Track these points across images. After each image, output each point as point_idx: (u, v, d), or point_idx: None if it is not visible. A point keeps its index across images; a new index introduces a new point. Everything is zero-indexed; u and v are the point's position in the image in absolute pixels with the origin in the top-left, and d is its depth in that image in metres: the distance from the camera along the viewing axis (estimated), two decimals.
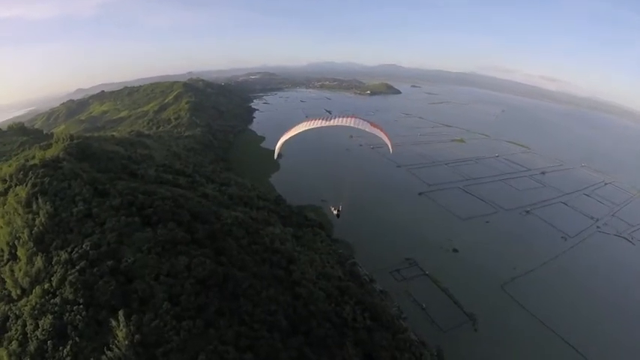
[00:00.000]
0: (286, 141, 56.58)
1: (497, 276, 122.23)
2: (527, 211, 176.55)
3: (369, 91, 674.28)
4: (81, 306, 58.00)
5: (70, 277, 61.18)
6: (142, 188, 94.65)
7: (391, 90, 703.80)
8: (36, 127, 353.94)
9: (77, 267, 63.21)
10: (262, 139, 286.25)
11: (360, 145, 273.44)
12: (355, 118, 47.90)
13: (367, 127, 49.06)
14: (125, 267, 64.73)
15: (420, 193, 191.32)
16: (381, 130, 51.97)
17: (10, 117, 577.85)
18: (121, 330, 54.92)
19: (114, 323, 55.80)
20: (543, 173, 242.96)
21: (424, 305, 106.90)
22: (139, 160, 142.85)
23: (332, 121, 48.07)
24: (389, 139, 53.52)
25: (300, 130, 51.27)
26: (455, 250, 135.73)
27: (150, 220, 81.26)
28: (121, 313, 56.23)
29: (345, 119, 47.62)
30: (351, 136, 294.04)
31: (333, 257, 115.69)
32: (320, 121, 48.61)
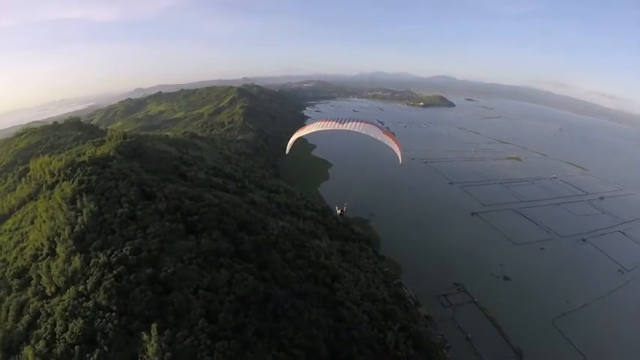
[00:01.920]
0: (298, 139, 57.32)
1: (549, 309, 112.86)
2: (584, 240, 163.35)
3: (422, 103, 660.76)
4: (113, 313, 55.01)
5: (106, 282, 58.36)
6: (190, 193, 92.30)
7: (445, 102, 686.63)
8: (94, 122, 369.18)
9: (114, 272, 60.49)
10: (313, 147, 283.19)
11: (412, 159, 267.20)
12: (368, 124, 45.95)
13: (379, 136, 46.75)
14: (164, 277, 61.27)
15: (472, 213, 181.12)
16: (393, 140, 49.03)
17: (72, 110, 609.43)
18: (152, 345, 51.28)
19: (145, 337, 52.15)
20: (602, 198, 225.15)
21: (470, 335, 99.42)
22: (190, 161, 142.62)
23: (345, 125, 46.09)
24: (400, 149, 50.29)
25: (312, 131, 50.86)
26: (506, 278, 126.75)
27: (195, 227, 78.25)
28: (154, 326, 52.49)
29: (358, 124, 45.44)
30: (404, 149, 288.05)
31: (378, 276, 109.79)
32: (333, 122, 47.50)
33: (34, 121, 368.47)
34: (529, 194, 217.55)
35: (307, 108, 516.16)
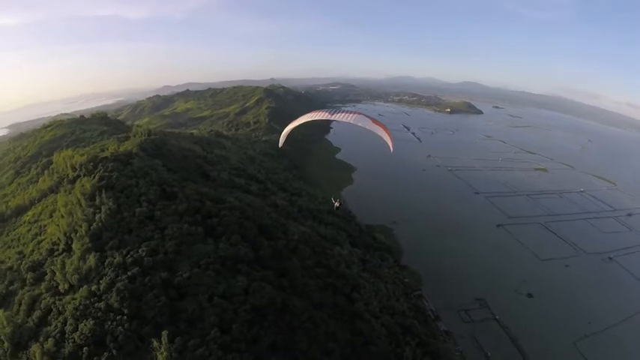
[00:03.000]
0: (293, 130, 54.98)
1: (571, 330, 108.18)
2: (610, 258, 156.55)
3: (448, 109, 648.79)
4: (125, 317, 53.67)
5: (119, 284, 57.08)
6: (212, 194, 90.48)
7: (472, 109, 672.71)
8: (122, 117, 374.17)
9: (129, 273, 59.11)
10: (338, 150, 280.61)
11: (438, 166, 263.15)
12: (358, 114, 45.09)
13: (368, 125, 45.43)
14: (179, 281, 59.51)
15: (498, 225, 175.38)
16: (383, 128, 47.06)
17: (101, 104, 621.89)
18: (162, 352, 49.56)
19: (155, 344, 50.31)
20: (630, 215, 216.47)
21: (489, 354, 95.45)
22: (214, 160, 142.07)
23: (335, 115, 46.14)
24: (391, 138, 47.68)
25: (304, 121, 49.54)
26: (529, 295, 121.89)
27: (214, 230, 76.24)
28: (164, 333, 50.70)
29: (347, 115, 44.97)
30: (429, 156, 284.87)
31: (399, 287, 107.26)
32: (323, 113, 47.59)
33: (63, 113, 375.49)
34: (556, 207, 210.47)
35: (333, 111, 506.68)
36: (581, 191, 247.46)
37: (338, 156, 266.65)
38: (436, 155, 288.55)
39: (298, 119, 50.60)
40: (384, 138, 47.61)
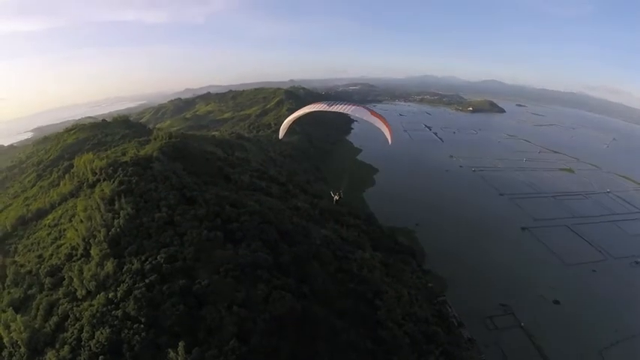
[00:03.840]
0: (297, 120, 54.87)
1: (597, 338, 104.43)
2: (637, 262, 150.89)
3: (471, 108, 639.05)
4: (142, 325, 52.29)
5: (137, 292, 55.68)
6: (232, 198, 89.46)
7: (495, 108, 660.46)
8: (144, 120, 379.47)
9: (147, 280, 57.83)
10: (359, 151, 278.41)
11: (461, 167, 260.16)
12: (356, 106, 45.55)
13: (365, 116, 45.72)
14: (198, 289, 57.84)
15: (523, 228, 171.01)
16: (382, 120, 47.18)
17: (124, 107, 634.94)
18: None
19: (172, 354, 48.79)
20: None
21: None
22: (235, 163, 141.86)
23: (333, 107, 46.43)
24: (389, 130, 47.62)
25: (303, 113, 50.33)
26: (556, 302, 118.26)
27: (234, 235, 74.68)
28: (181, 344, 48.96)
29: (345, 107, 45.21)
30: (452, 156, 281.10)
31: (422, 293, 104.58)
32: (321, 105, 48.50)
33: (87, 117, 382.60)
34: (582, 209, 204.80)
35: None
36: (608, 192, 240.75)
37: (359, 157, 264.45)
38: (459, 155, 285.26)
39: (297, 112, 51.10)
40: (382, 129, 47.54)
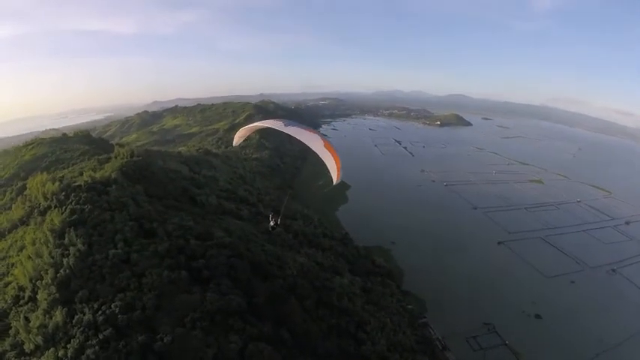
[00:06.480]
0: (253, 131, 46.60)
1: (583, 349, 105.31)
2: (614, 270, 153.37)
3: (438, 122, 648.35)
4: None
5: (89, 351, 47.03)
6: (197, 229, 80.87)
7: (462, 122, 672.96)
8: (110, 132, 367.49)
9: (100, 336, 49.16)
10: None
11: (433, 181, 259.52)
12: (312, 133, 38.91)
13: (318, 149, 37.63)
14: (160, 347, 49.51)
15: (499, 242, 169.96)
16: (334, 156, 38.60)
17: (89, 120, 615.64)
18: None
19: None
20: (627, 223, 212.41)
21: None
22: (201, 183, 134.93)
23: (288, 128, 39.08)
24: (338, 167, 38.91)
25: (260, 126, 42.69)
26: (538, 316, 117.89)
27: (200, 274, 66.47)
28: None
29: (300, 130, 38.36)
30: (423, 170, 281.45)
31: (403, 317, 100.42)
32: (278, 123, 40.44)
33: (51, 129, 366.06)
34: (555, 220, 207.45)
35: (324, 126, 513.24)
36: (578, 201, 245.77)
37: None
38: (430, 170, 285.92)
39: (254, 123, 44.57)
40: (329, 165, 40.23)
